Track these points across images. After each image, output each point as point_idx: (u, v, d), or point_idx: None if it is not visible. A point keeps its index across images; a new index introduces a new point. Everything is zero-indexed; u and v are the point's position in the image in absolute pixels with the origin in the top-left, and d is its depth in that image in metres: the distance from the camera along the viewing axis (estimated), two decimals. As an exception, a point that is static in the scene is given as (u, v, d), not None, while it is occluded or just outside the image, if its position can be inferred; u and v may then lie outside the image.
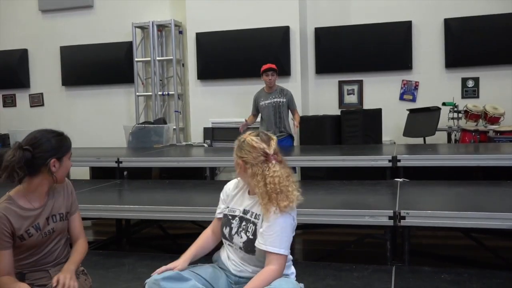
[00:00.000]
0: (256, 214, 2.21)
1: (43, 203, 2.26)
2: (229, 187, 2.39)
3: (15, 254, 2.19)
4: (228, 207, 2.33)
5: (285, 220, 2.15)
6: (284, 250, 2.12)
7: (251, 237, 2.19)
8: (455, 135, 5.86)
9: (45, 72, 7.71)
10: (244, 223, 2.23)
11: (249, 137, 2.21)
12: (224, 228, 2.29)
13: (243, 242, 2.21)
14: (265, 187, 2.14)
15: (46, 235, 2.24)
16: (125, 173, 5.03)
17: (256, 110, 5.69)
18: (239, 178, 2.36)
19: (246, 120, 5.73)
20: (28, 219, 2.20)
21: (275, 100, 5.51)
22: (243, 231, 2.22)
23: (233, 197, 2.33)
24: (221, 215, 2.35)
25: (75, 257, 2.27)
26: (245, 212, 2.26)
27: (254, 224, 2.20)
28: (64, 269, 2.16)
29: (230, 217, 2.28)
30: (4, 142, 7.08)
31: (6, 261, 2.14)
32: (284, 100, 5.51)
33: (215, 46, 6.57)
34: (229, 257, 2.29)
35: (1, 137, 7.15)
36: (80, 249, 2.32)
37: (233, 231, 2.25)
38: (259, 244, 2.14)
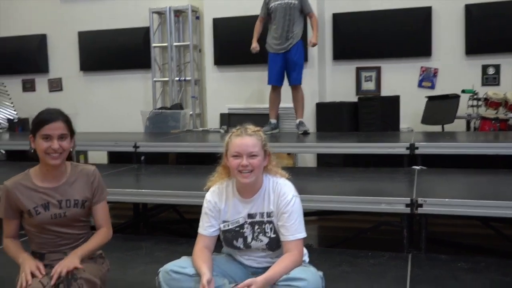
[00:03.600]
0: (267, 212, 2.20)
1: (57, 185, 2.27)
2: (214, 200, 2.25)
3: (33, 232, 2.27)
4: (225, 221, 2.23)
5: (297, 203, 2.18)
6: (304, 232, 2.16)
7: (273, 235, 2.19)
8: (474, 123, 5.77)
9: (63, 57, 7.76)
10: (257, 227, 2.21)
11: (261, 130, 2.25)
12: (235, 241, 2.23)
13: (267, 243, 2.20)
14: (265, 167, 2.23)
15: (57, 217, 2.25)
16: (142, 157, 5.07)
17: (265, 13, 5.42)
18: (215, 188, 2.28)
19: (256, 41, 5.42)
20: (37, 196, 2.24)
21: (287, 1, 5.24)
22: (261, 234, 2.20)
23: (224, 209, 2.24)
24: (216, 233, 2.24)
25: (88, 245, 2.26)
26: (251, 216, 2.21)
27: (271, 222, 2.19)
28: (69, 255, 2.17)
29: (237, 229, 2.22)
30: (24, 126, 7.18)
31: (12, 227, 2.30)
32: (296, 2, 5.24)
33: (232, 32, 6.54)
34: (245, 258, 2.28)
35: (22, 121, 7.25)
36: (97, 237, 2.30)
37: (249, 239, 2.21)
38: (285, 237, 2.14)
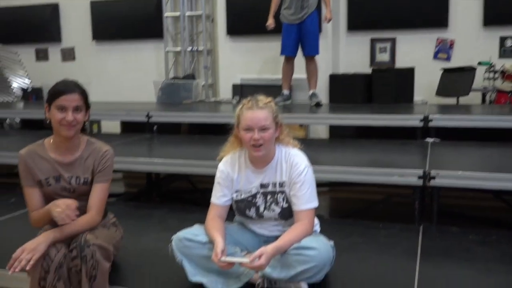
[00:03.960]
0: (280, 182, 2.21)
1: (70, 161, 2.27)
2: (227, 170, 2.26)
3: (45, 200, 2.28)
4: (238, 191, 2.25)
5: (309, 173, 2.19)
6: (316, 202, 2.17)
7: (285, 205, 2.20)
8: (490, 96, 5.69)
9: (76, 26, 7.74)
10: (269, 196, 2.22)
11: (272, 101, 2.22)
12: (247, 210, 2.25)
13: (279, 213, 2.22)
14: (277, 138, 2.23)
15: (65, 190, 2.28)
16: (154, 127, 5.09)
17: None
18: (227, 158, 2.29)
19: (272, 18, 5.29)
20: (50, 168, 2.25)
21: None
22: (273, 204, 2.22)
23: (237, 179, 2.25)
24: (228, 202, 2.26)
25: (68, 227, 2.12)
26: (263, 186, 2.22)
27: (283, 192, 2.21)
28: (42, 234, 2.08)
29: (250, 198, 2.24)
30: (37, 95, 7.22)
31: (35, 198, 2.25)
32: None
33: (245, 1, 6.46)
34: (257, 227, 2.30)
35: (35, 91, 7.29)
36: (81, 221, 2.17)
37: (261, 209, 2.23)
38: (296, 206, 2.15)
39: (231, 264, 2.00)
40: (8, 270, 1.99)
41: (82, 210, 2.27)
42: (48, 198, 2.27)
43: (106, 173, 2.31)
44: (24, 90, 7.35)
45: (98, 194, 2.28)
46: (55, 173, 2.26)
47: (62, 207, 2.05)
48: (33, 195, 2.25)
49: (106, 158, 2.30)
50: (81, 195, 2.29)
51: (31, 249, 2.00)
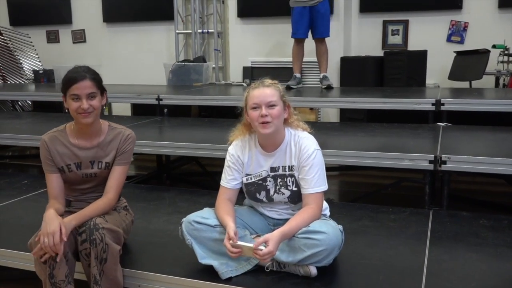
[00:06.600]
0: (289, 166, 2.20)
1: (91, 146, 2.27)
2: (237, 154, 2.26)
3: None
4: (248, 175, 2.25)
5: (318, 156, 2.18)
6: (325, 185, 2.17)
7: (294, 189, 2.20)
8: (504, 80, 5.61)
9: (86, 8, 7.73)
10: (279, 180, 2.22)
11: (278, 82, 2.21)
12: (258, 194, 2.25)
13: (288, 196, 2.22)
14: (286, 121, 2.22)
15: (87, 176, 2.29)
16: (165, 110, 5.09)
17: None
18: (238, 141, 2.28)
19: None
20: (71, 154, 2.25)
21: None
22: (283, 187, 2.22)
23: (247, 162, 2.25)
24: (238, 186, 2.27)
25: (84, 212, 2.15)
26: (273, 169, 2.22)
27: (293, 176, 2.20)
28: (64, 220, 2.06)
29: (260, 181, 2.24)
30: (49, 77, 7.25)
31: (54, 184, 2.25)
32: None
33: (256, -17, 6.40)
34: (267, 210, 2.31)
35: (47, 73, 7.32)
36: (99, 204, 2.21)
37: (272, 192, 2.23)
38: (305, 190, 2.15)
39: (240, 252, 2.01)
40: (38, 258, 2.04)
41: (101, 192, 2.31)
42: (70, 183, 2.29)
43: (127, 156, 2.32)
44: (35, 72, 7.39)
45: (117, 176, 2.30)
46: (77, 160, 2.26)
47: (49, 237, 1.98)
48: (53, 181, 2.25)
49: (129, 141, 2.32)
50: (103, 179, 2.31)
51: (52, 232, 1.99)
